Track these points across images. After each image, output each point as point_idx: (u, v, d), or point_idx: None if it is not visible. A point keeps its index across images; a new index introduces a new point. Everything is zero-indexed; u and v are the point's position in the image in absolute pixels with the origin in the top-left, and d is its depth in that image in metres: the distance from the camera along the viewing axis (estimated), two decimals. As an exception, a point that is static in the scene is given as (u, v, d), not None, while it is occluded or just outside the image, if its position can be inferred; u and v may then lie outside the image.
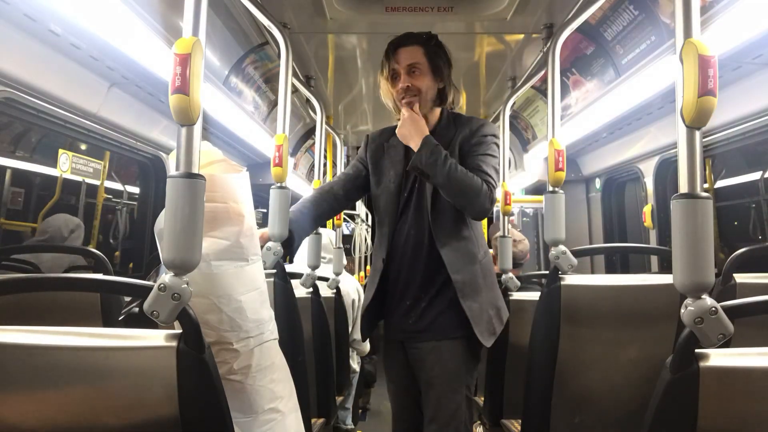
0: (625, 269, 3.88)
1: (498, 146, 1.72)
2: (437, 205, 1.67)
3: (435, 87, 1.70)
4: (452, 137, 1.69)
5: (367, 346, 3.39)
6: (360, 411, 3.96)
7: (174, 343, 0.90)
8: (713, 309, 0.93)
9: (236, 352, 1.25)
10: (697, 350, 0.93)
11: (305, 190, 5.35)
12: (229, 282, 1.26)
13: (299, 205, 1.81)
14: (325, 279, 2.78)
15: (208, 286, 1.23)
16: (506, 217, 2.59)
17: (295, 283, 2.13)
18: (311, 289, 2.33)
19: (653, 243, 3.30)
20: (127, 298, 2.15)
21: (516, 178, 4.68)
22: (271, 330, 1.39)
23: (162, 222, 1.01)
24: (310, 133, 4.78)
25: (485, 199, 1.57)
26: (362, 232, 6.80)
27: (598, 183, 4.12)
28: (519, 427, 1.90)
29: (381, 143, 1.82)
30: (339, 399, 2.63)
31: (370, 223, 7.50)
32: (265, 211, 4.25)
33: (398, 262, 1.73)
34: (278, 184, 1.86)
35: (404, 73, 1.67)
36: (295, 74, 2.87)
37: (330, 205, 1.83)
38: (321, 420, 2.23)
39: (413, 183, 1.72)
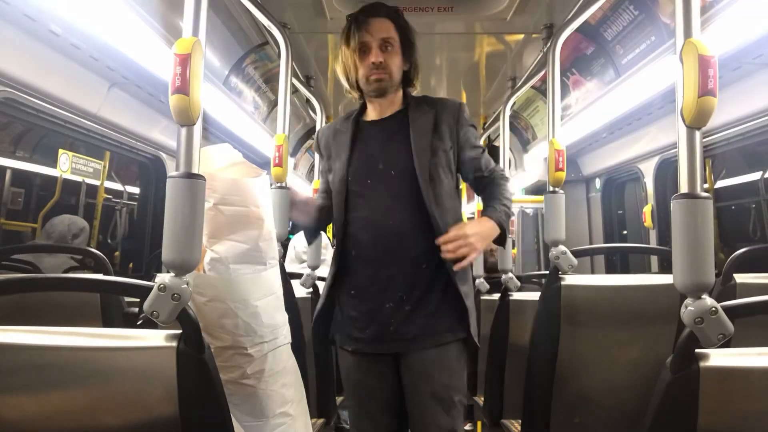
0: (625, 269, 3.88)
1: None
2: (428, 178, 1.48)
3: (402, 68, 1.54)
4: (434, 119, 1.52)
5: None
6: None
7: (174, 344, 0.90)
8: (713, 309, 0.93)
9: (250, 357, 1.26)
10: (697, 350, 0.93)
11: (305, 190, 5.34)
12: (246, 287, 1.26)
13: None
14: (325, 279, 2.77)
15: (226, 291, 1.23)
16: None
17: (295, 283, 2.13)
18: (311, 290, 2.33)
19: (653, 243, 3.30)
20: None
21: (516, 178, 4.68)
22: (285, 334, 1.39)
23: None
24: (310, 133, 4.79)
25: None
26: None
27: (598, 183, 4.11)
28: (519, 428, 1.90)
29: (329, 134, 1.63)
30: (339, 399, 2.63)
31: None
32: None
33: (366, 257, 1.50)
34: (278, 184, 1.86)
35: (376, 46, 1.48)
36: (295, 74, 2.87)
37: (327, 218, 1.69)
38: (321, 420, 2.23)
39: (367, 167, 1.52)
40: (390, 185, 1.49)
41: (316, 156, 2.79)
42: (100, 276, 1.28)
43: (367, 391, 1.51)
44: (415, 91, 1.64)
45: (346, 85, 1.58)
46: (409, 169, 1.48)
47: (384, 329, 1.46)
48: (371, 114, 1.59)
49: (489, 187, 1.58)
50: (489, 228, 1.45)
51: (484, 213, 1.51)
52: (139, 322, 0.96)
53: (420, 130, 1.50)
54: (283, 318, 1.39)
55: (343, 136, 1.58)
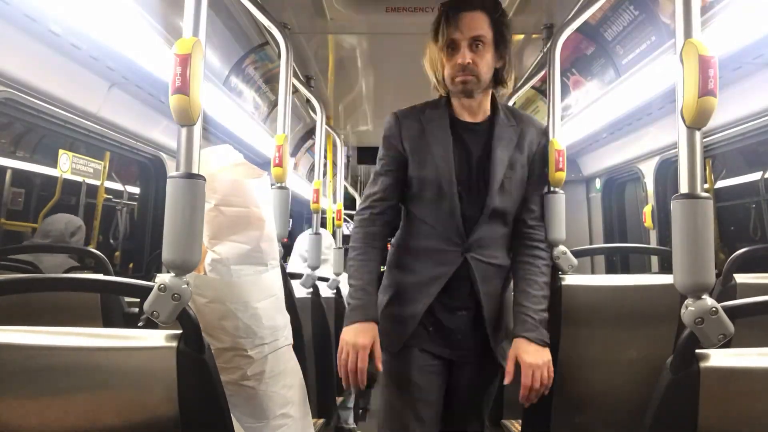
0: (626, 269, 3.87)
1: None
2: (505, 189, 1.45)
3: (493, 66, 1.43)
4: (519, 136, 1.48)
5: None
6: (360, 411, 3.95)
7: (174, 344, 0.90)
8: (714, 309, 0.93)
9: (250, 359, 1.26)
10: (697, 350, 0.93)
11: (305, 190, 5.34)
12: (247, 289, 1.26)
13: (368, 264, 1.45)
14: (326, 279, 2.78)
15: (226, 292, 1.23)
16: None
17: (295, 283, 2.13)
18: (311, 290, 2.33)
19: (653, 243, 3.30)
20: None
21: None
22: (286, 336, 1.39)
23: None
24: (310, 133, 4.78)
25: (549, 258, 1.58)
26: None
27: (598, 183, 4.11)
28: (519, 428, 1.90)
29: (417, 118, 1.48)
30: (339, 399, 2.63)
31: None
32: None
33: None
34: (278, 184, 1.86)
35: (466, 45, 1.37)
36: (295, 74, 2.87)
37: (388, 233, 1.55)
38: (321, 420, 2.23)
39: (467, 161, 1.45)
40: (474, 200, 1.44)
41: (316, 156, 2.78)
42: (100, 276, 1.28)
43: (419, 392, 1.44)
44: (498, 92, 1.53)
45: (433, 80, 1.48)
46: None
47: (452, 335, 1.47)
48: (461, 112, 1.49)
49: (526, 258, 1.52)
50: (544, 354, 1.41)
51: (523, 329, 1.40)
52: (140, 324, 0.96)
53: (503, 142, 1.46)
54: (284, 320, 1.39)
55: (437, 126, 1.46)
